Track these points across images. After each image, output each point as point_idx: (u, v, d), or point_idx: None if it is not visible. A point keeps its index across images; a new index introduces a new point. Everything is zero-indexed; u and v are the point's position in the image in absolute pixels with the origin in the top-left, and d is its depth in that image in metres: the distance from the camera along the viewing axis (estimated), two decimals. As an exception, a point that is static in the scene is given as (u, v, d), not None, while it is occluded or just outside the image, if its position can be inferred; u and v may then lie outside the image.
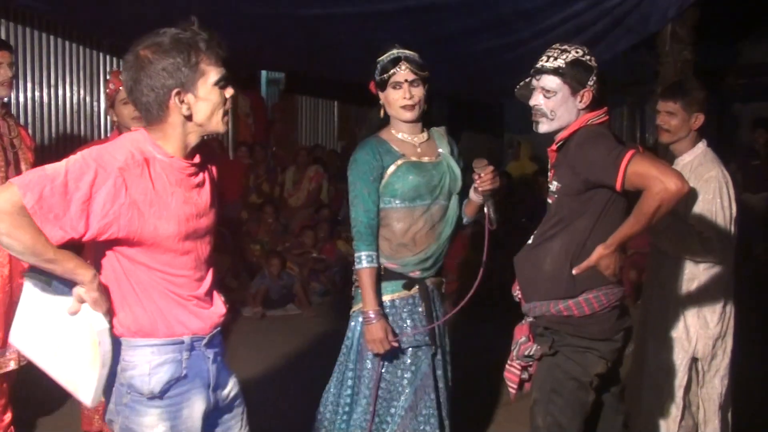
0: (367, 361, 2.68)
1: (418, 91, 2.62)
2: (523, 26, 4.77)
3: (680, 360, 2.98)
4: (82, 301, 1.74)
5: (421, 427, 2.61)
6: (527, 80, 2.37)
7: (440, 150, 2.73)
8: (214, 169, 1.99)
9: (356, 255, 2.64)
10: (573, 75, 2.27)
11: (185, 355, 1.86)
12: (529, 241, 2.44)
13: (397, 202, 2.64)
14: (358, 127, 10.04)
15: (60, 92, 6.82)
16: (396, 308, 2.67)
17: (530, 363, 2.41)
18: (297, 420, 3.73)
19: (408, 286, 2.67)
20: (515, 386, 2.45)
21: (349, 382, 2.76)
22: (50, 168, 1.67)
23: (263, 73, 9.66)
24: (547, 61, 2.31)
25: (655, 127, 3.12)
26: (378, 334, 2.55)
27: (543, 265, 2.32)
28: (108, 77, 3.37)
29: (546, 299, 2.32)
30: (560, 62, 2.28)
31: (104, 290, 1.77)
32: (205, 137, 1.90)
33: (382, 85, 2.66)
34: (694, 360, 2.98)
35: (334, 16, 4.99)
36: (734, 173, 6.35)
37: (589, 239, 2.27)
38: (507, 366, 2.47)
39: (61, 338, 1.80)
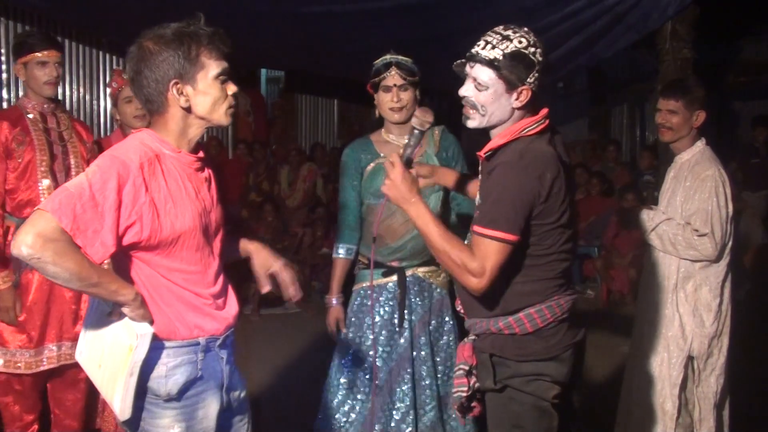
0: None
1: (406, 95, 2.76)
2: (523, 24, 4.76)
3: (676, 358, 2.98)
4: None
5: (396, 405, 2.76)
6: (463, 61, 2.04)
7: (426, 150, 2.84)
8: (211, 167, 2.00)
9: (335, 245, 2.95)
10: (511, 70, 1.93)
11: (200, 356, 1.86)
12: None
13: (373, 199, 2.80)
14: (358, 125, 10.04)
15: (60, 90, 6.80)
16: (376, 294, 2.84)
17: (462, 397, 2.17)
18: (295, 417, 3.74)
19: (386, 274, 2.84)
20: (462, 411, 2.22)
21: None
22: (72, 186, 1.65)
23: (263, 71, 9.66)
24: (483, 48, 1.96)
25: (656, 125, 3.12)
26: (329, 319, 2.95)
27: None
28: (110, 76, 3.36)
29: (486, 317, 2.09)
30: (497, 53, 1.93)
31: (145, 303, 1.77)
32: (207, 132, 1.92)
33: (375, 88, 2.82)
34: (690, 358, 2.99)
35: (334, 13, 4.98)
36: (734, 171, 6.38)
37: (524, 256, 2.02)
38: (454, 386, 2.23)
39: (105, 348, 1.81)
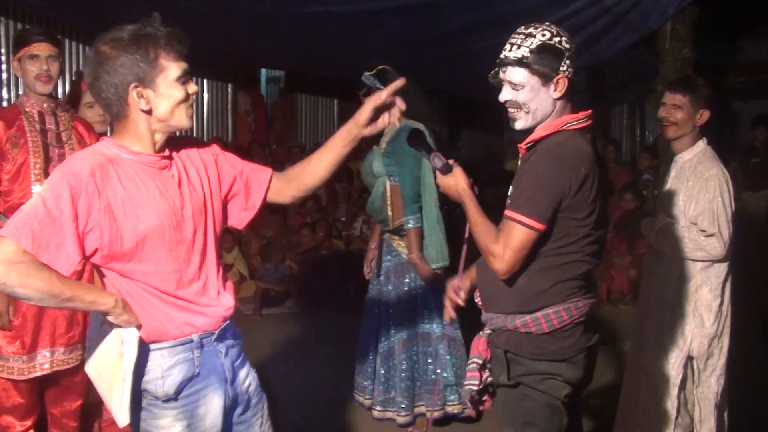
0: None
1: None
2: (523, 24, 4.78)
3: (675, 358, 2.98)
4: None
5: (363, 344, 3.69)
6: (495, 71, 2.09)
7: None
8: (201, 161, 1.94)
9: None
10: (541, 63, 1.98)
11: (196, 353, 1.85)
12: None
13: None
14: (358, 126, 10.00)
15: (60, 90, 6.82)
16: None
17: (473, 390, 2.22)
18: (295, 417, 3.74)
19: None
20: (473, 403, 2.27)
21: None
22: (26, 207, 1.67)
23: (263, 71, 9.66)
24: (510, 50, 2.02)
25: (656, 124, 3.10)
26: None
27: (499, 279, 2.05)
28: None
29: (504, 313, 2.10)
30: (524, 51, 1.99)
31: (129, 308, 1.77)
32: (176, 133, 1.88)
33: None
34: (690, 358, 2.98)
35: (334, 13, 4.99)
36: (734, 171, 6.37)
37: (546, 253, 2.03)
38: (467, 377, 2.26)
39: (101, 357, 1.82)
